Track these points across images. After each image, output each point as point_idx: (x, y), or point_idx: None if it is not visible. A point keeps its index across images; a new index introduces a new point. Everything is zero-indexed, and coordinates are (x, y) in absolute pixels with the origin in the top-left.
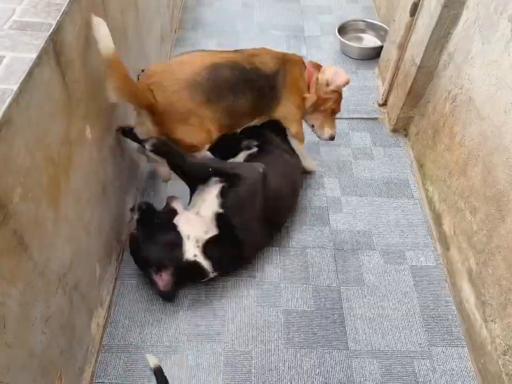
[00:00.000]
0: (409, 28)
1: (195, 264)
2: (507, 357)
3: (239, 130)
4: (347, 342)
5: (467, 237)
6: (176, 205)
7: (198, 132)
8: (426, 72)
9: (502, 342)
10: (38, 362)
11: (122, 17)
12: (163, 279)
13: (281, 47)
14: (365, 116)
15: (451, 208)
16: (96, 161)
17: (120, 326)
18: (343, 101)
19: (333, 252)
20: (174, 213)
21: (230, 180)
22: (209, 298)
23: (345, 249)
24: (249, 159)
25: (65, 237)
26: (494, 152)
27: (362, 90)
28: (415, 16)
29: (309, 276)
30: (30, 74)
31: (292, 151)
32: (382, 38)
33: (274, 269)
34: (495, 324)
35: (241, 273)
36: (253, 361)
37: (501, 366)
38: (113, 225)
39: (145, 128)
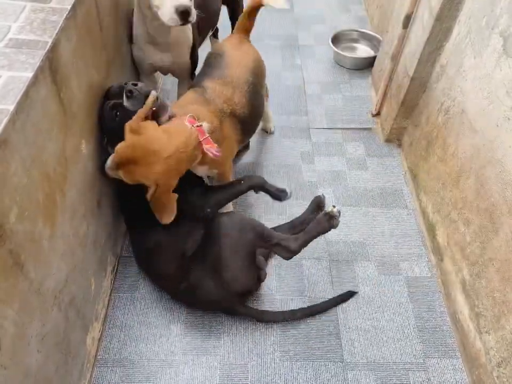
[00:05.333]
0: (402, 40)
1: None
2: (501, 369)
3: None
4: (343, 354)
5: (460, 248)
6: None
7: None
8: (419, 84)
9: (496, 354)
10: (34, 381)
11: (117, 30)
12: None
13: (276, 56)
14: (359, 126)
15: (444, 219)
16: (92, 175)
17: (116, 340)
18: (337, 111)
19: (328, 263)
20: None
21: None
22: (205, 312)
23: (340, 260)
24: None
25: (61, 254)
26: (487, 165)
27: (356, 100)
28: (408, 29)
29: (305, 288)
30: (26, 93)
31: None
32: (375, 48)
33: (269, 281)
34: (489, 335)
35: None
36: (249, 374)
37: (496, 378)
38: (109, 237)
39: None
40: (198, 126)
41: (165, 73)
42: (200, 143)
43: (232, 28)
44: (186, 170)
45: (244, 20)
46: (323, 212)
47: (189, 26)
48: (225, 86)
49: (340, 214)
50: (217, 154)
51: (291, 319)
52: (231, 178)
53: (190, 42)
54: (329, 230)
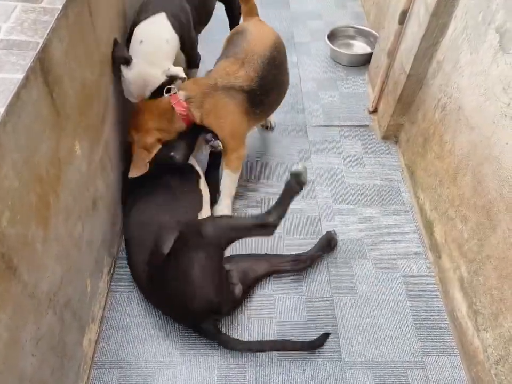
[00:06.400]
0: (398, 36)
1: None
2: (499, 366)
3: None
4: (341, 353)
5: (458, 245)
6: None
7: None
8: (416, 80)
9: (494, 351)
10: None
11: (111, 30)
12: None
13: None
14: (356, 123)
15: (442, 216)
16: (86, 176)
17: (113, 342)
18: (333, 108)
19: (326, 262)
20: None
21: None
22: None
23: (337, 258)
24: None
25: (55, 256)
26: (484, 162)
27: (353, 97)
28: (404, 24)
29: (302, 287)
30: (17, 95)
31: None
32: (372, 44)
33: (267, 281)
34: (487, 333)
35: None
36: (247, 374)
37: (494, 376)
38: (105, 238)
39: None
40: (172, 94)
41: None
42: (171, 108)
43: (230, 25)
44: (167, 131)
45: (244, 4)
46: (290, 174)
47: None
48: (231, 63)
49: (306, 170)
50: (183, 110)
51: (266, 350)
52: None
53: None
54: (300, 189)
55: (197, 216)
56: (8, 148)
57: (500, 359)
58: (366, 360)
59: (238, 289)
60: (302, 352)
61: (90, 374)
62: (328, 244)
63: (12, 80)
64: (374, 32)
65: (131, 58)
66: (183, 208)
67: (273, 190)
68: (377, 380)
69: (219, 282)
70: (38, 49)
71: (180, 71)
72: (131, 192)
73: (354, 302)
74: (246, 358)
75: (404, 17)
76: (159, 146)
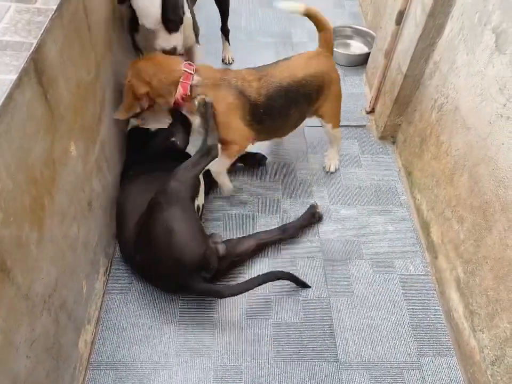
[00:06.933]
0: (395, 36)
1: None
2: (495, 367)
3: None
4: (337, 354)
5: (454, 246)
6: None
7: None
8: (413, 81)
9: (490, 352)
10: None
11: (106, 30)
12: None
13: (269, 53)
14: (353, 124)
15: (439, 217)
16: (82, 177)
17: (109, 343)
18: None
19: (322, 262)
20: None
21: None
22: (198, 312)
23: (334, 259)
24: None
25: (50, 257)
26: (480, 163)
27: (350, 97)
28: (401, 25)
29: (299, 287)
30: (10, 96)
31: None
32: (369, 44)
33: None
34: (483, 333)
35: (230, 281)
36: (243, 375)
37: (490, 376)
38: (100, 239)
39: None
40: (187, 72)
41: None
42: (178, 81)
43: (221, 18)
44: (160, 96)
45: (320, 34)
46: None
47: (188, 14)
48: (251, 73)
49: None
50: (184, 93)
51: (253, 287)
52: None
53: (191, 21)
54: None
55: (195, 200)
56: (1, 150)
57: (495, 359)
58: (362, 361)
59: (221, 247)
60: (299, 353)
61: (86, 376)
62: (312, 216)
63: (4, 81)
64: (371, 32)
65: None
66: None
67: (269, 190)
68: (373, 381)
69: (198, 233)
70: (31, 50)
71: None
72: (131, 166)
73: (351, 303)
74: (243, 358)
75: (400, 17)
76: (145, 101)
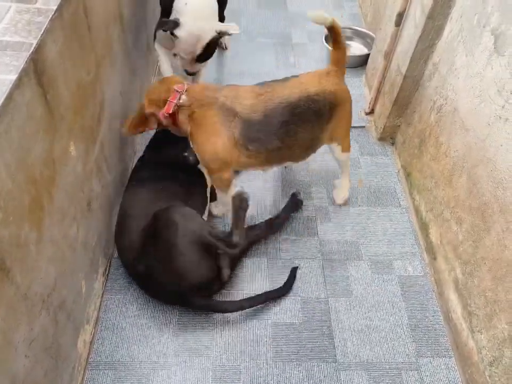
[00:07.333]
0: (395, 38)
1: None
2: (493, 368)
3: None
4: (335, 355)
5: (453, 247)
6: None
7: None
8: (412, 82)
9: (488, 353)
10: None
11: (106, 30)
12: None
13: (269, 54)
14: (352, 124)
15: (437, 218)
16: (81, 177)
17: (107, 343)
18: None
19: (321, 263)
20: None
21: None
22: (197, 312)
23: (333, 259)
24: None
25: (49, 257)
26: (479, 164)
27: None
28: (400, 26)
29: (297, 288)
30: (10, 96)
31: None
32: (369, 45)
33: (262, 281)
34: (481, 334)
35: (229, 286)
36: (242, 375)
37: (488, 377)
38: (100, 239)
39: None
40: (176, 91)
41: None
42: (167, 100)
43: (219, 5)
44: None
45: (334, 51)
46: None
47: None
48: (248, 90)
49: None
50: (167, 111)
51: (254, 305)
52: (224, 188)
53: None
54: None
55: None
56: (1, 149)
57: (493, 360)
58: (360, 361)
59: (226, 273)
60: (297, 353)
61: (84, 376)
62: (296, 205)
63: (4, 81)
64: (371, 33)
65: (179, 20)
66: (190, 203)
67: (269, 191)
68: (371, 381)
69: (209, 259)
70: (31, 50)
71: (229, 27)
72: (142, 171)
73: (350, 303)
74: (241, 359)
75: (400, 19)
76: (155, 122)
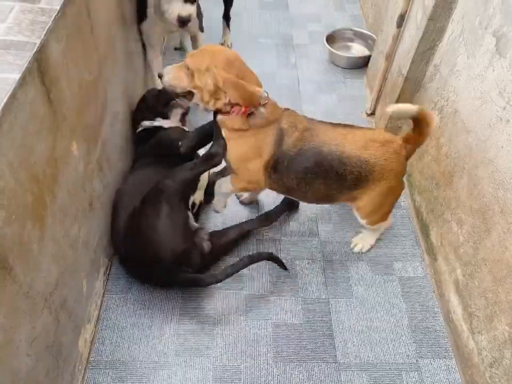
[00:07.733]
0: (396, 39)
1: None
2: (493, 369)
3: None
4: (336, 355)
5: (454, 248)
6: None
7: None
8: (413, 83)
9: (488, 354)
10: None
11: (109, 30)
12: None
13: (270, 55)
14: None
15: (438, 219)
16: (83, 176)
17: (108, 342)
18: (331, 110)
19: (322, 264)
20: None
21: None
22: (198, 313)
23: (334, 260)
24: None
25: (51, 256)
26: (480, 166)
27: (351, 99)
28: (402, 28)
29: (298, 288)
30: (13, 95)
31: None
32: (370, 47)
33: (263, 282)
34: (481, 335)
35: (230, 286)
36: (242, 375)
37: (488, 379)
38: (101, 239)
39: None
40: (268, 100)
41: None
42: (251, 102)
43: (225, 5)
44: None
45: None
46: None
47: None
48: (301, 121)
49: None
50: (243, 111)
51: (235, 271)
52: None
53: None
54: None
55: (189, 197)
56: (3, 148)
57: (494, 361)
58: (361, 362)
59: (206, 244)
60: (298, 354)
61: (85, 375)
62: (290, 205)
63: (8, 81)
64: (372, 34)
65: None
66: None
67: (266, 191)
68: (372, 382)
69: (181, 230)
70: (35, 50)
71: None
72: (136, 161)
73: (350, 304)
74: (242, 359)
75: (401, 20)
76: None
